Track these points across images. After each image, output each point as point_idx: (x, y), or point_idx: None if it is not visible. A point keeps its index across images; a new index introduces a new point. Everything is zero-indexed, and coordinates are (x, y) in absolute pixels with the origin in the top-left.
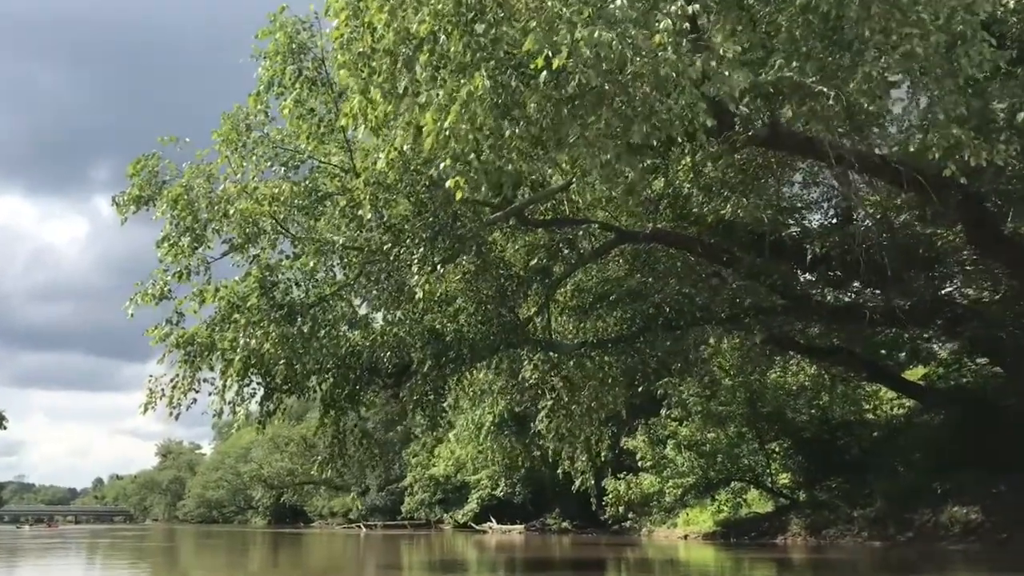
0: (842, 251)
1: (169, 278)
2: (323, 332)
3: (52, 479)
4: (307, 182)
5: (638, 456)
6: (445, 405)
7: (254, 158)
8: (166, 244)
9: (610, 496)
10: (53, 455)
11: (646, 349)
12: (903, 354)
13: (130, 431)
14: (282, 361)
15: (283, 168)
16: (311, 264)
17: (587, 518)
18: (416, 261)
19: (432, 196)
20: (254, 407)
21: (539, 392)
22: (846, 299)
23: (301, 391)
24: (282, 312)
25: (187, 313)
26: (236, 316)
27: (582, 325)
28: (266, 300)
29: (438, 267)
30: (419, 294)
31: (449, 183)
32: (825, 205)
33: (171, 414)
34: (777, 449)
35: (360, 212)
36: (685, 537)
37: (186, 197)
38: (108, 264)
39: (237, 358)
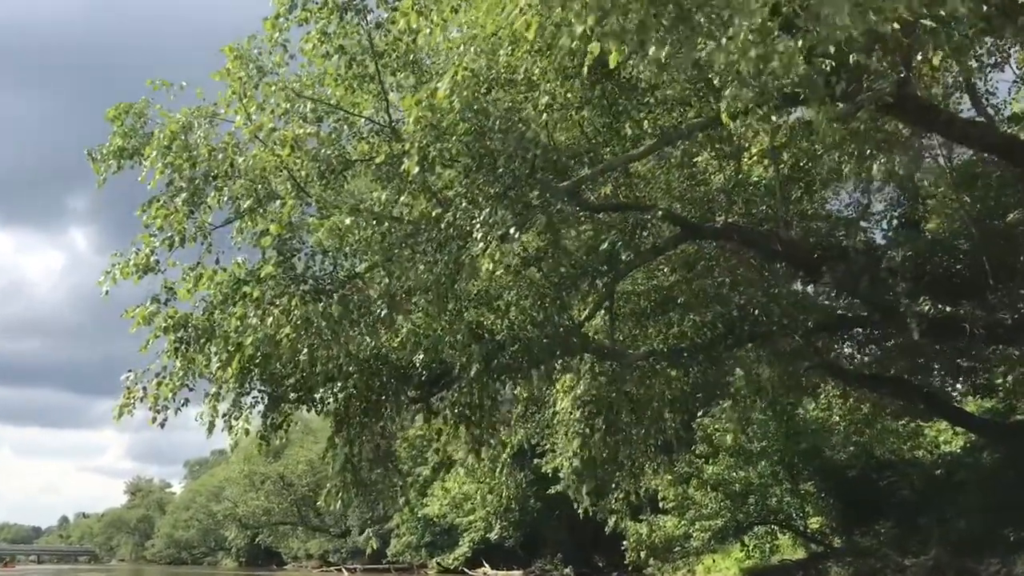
0: (925, 259)
1: (158, 245)
2: (357, 317)
3: (18, 517)
4: (332, 136)
5: (660, 496)
6: (496, 420)
7: (268, 106)
8: (155, 206)
9: (631, 540)
10: (19, 492)
11: (728, 361)
12: (959, 385)
13: (99, 468)
14: (304, 353)
15: (303, 121)
16: (346, 222)
17: (581, 562)
18: (480, 225)
19: (506, 138)
20: (254, 423)
21: (593, 412)
22: (946, 310)
23: (312, 402)
24: (307, 287)
25: (180, 293)
26: (246, 289)
27: (640, 332)
28: (285, 270)
29: (512, 232)
30: (486, 266)
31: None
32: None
33: (154, 420)
34: (812, 489)
35: (404, 166)
36: None
37: (183, 140)
38: (82, 299)
39: (248, 341)
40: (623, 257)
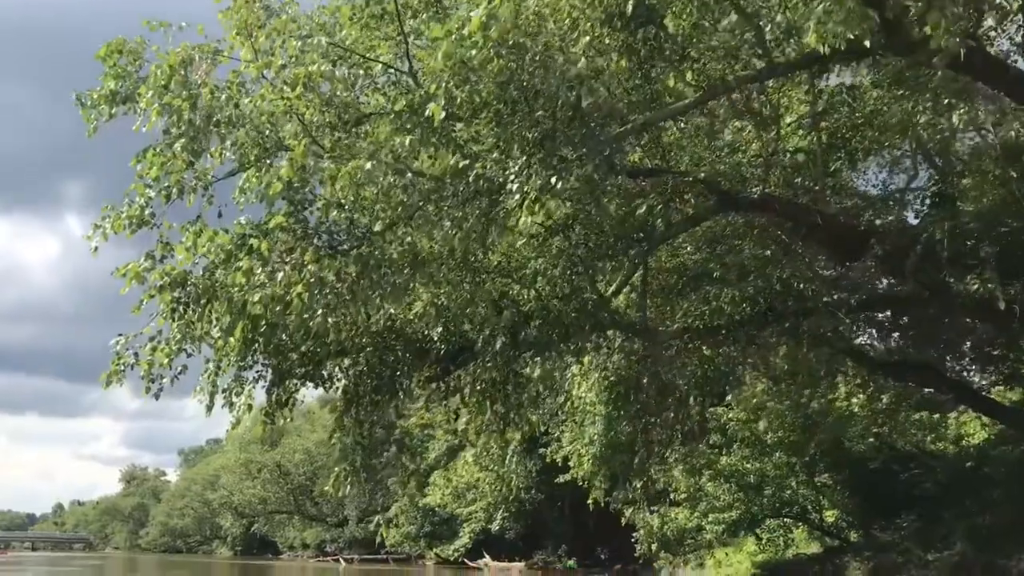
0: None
1: (153, 196)
2: (376, 279)
3: (12, 504)
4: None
5: (672, 487)
6: (525, 398)
7: (277, 42)
8: (150, 154)
9: (643, 532)
10: (14, 479)
11: (771, 339)
12: (985, 375)
13: (94, 456)
14: (317, 316)
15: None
16: (366, 167)
17: (583, 554)
18: (515, 176)
19: (547, 76)
20: (258, 401)
21: (620, 393)
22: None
23: (320, 379)
24: (320, 242)
25: (178, 251)
26: (253, 242)
27: (670, 309)
28: (297, 221)
29: (553, 181)
30: (523, 219)
31: None
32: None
33: (147, 390)
34: (828, 482)
35: (428, 111)
36: None
37: (182, 76)
38: (78, 285)
39: (255, 299)
40: (660, 225)
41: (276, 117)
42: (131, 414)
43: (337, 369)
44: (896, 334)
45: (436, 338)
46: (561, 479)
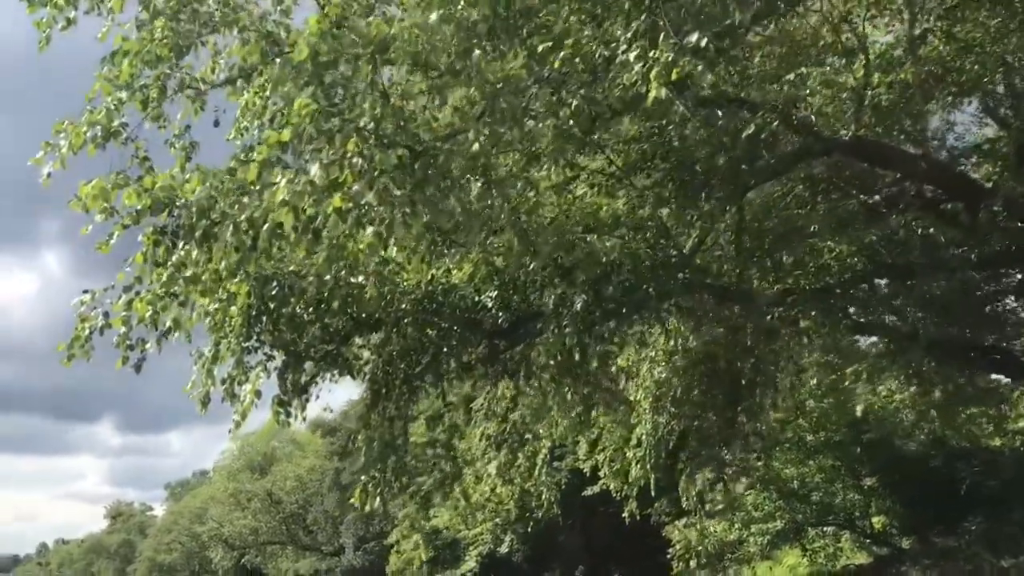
0: None
1: (125, 98)
2: (444, 188)
3: None
4: None
5: (709, 498)
6: (610, 373)
7: None
8: (120, 55)
9: (678, 547)
10: None
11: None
12: None
13: (77, 494)
14: (368, 237)
15: None
16: (431, 19)
17: (597, 574)
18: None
19: None
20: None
21: (702, 374)
22: None
23: (345, 364)
24: (367, 127)
25: (162, 180)
26: (269, 133)
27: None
28: (330, 105)
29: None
30: (653, 92)
31: None
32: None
33: (124, 361)
34: (875, 485)
35: None
36: None
37: None
38: (56, 322)
39: (279, 198)
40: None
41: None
42: (116, 450)
43: (365, 351)
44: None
45: (490, 305)
46: (589, 491)
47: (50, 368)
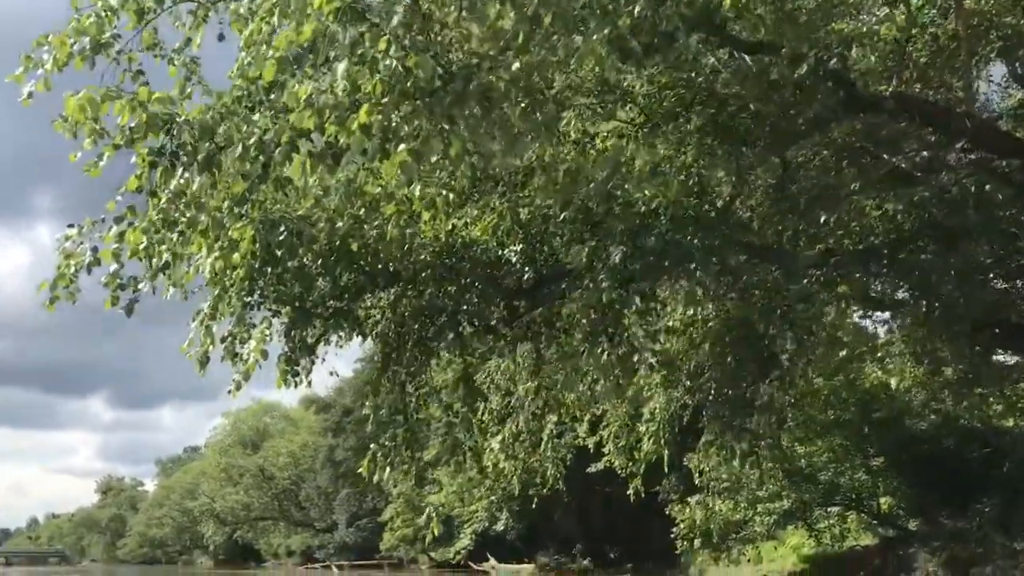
0: None
1: (116, 4)
2: (487, 110)
3: None
4: None
5: (711, 475)
6: (659, 329)
7: None
8: None
9: (682, 526)
10: None
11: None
12: None
13: (68, 469)
14: (404, 150)
15: None
16: None
17: (592, 554)
18: None
19: None
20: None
21: (735, 340)
22: None
23: (355, 322)
24: (400, 30)
25: (155, 106)
26: (286, 34)
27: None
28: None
29: None
30: None
31: None
32: None
33: (113, 301)
34: (883, 465)
35: None
36: None
37: None
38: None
39: (305, 118)
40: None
41: None
42: (107, 426)
43: (376, 311)
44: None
45: (514, 259)
46: (593, 468)
47: (43, 343)
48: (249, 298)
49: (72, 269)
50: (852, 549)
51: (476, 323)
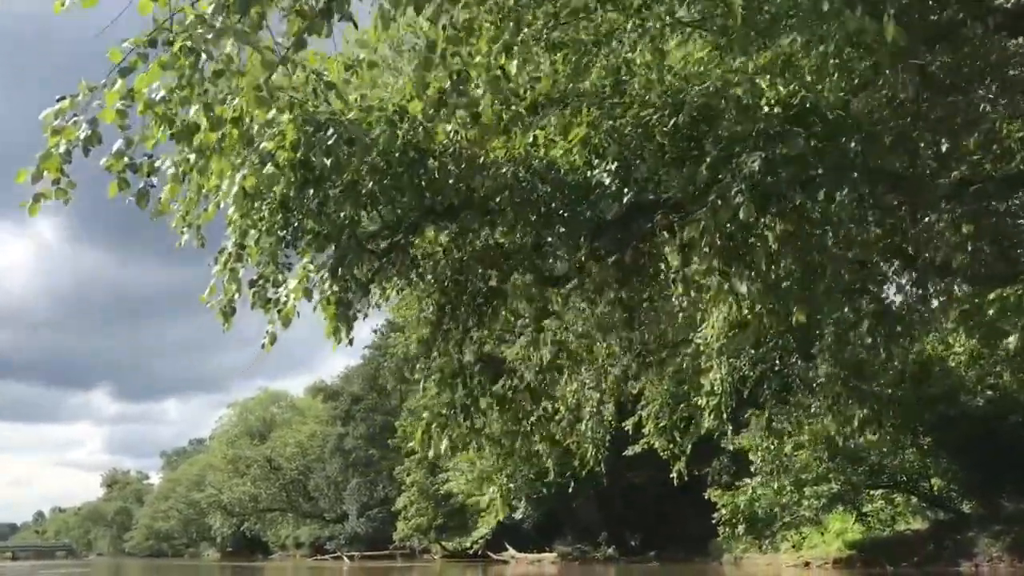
0: None
1: None
2: None
3: None
4: None
5: (752, 457)
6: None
7: None
8: None
9: (725, 511)
10: None
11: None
12: None
13: (74, 462)
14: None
15: None
16: None
17: (612, 543)
18: None
19: None
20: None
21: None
22: None
23: (410, 261)
24: None
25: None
26: None
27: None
28: None
29: None
30: None
31: None
32: None
33: (122, 184)
34: (933, 444)
35: None
36: (807, 564)
37: None
38: (52, 290)
39: None
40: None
41: None
42: (112, 418)
43: (438, 248)
44: None
45: (607, 182)
46: (630, 451)
47: (46, 336)
48: (283, 232)
49: (63, 148)
50: (902, 533)
51: (567, 260)
